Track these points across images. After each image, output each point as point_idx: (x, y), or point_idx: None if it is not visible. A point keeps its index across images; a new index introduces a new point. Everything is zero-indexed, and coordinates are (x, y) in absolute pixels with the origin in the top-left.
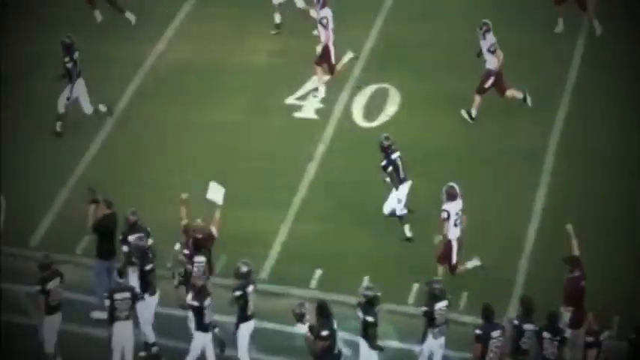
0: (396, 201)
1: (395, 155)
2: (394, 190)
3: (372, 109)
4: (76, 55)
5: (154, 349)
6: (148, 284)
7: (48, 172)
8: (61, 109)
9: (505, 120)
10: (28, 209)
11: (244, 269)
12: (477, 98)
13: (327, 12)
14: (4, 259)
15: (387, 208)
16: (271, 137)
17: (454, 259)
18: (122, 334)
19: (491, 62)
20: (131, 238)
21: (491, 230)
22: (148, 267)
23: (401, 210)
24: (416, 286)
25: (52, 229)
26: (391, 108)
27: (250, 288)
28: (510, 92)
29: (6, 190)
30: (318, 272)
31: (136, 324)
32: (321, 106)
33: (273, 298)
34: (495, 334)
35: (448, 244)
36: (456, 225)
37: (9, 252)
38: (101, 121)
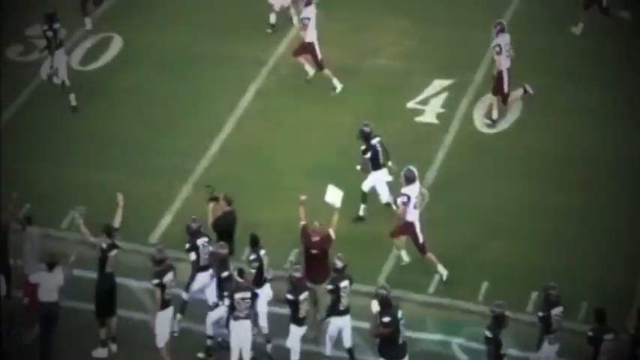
0: (372, 181)
1: (374, 141)
2: (372, 172)
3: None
4: (57, 25)
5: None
6: (224, 292)
7: (168, 170)
8: (44, 75)
9: (632, 127)
10: (149, 207)
11: (339, 264)
12: (495, 101)
13: (310, 11)
14: (124, 255)
15: (366, 186)
16: (391, 140)
17: (420, 239)
18: (241, 333)
19: (500, 63)
20: (199, 242)
21: (615, 239)
22: (225, 274)
23: (367, 190)
24: (535, 295)
25: (171, 227)
26: (513, 115)
27: (344, 283)
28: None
29: (127, 187)
30: (437, 277)
31: (255, 324)
32: (442, 110)
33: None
34: (608, 337)
35: (411, 226)
36: (415, 207)
37: (129, 248)
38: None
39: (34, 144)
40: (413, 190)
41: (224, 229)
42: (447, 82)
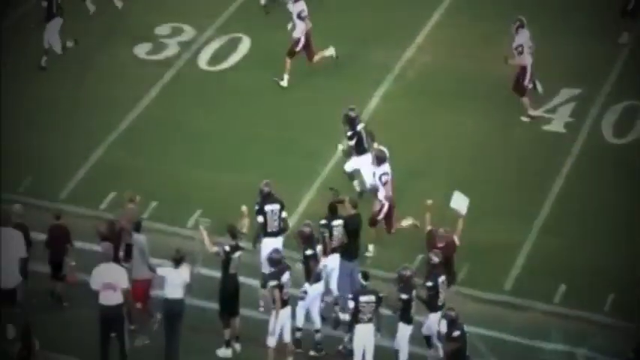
0: (355, 164)
1: (360, 127)
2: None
3: (623, 125)
4: None
5: (318, 336)
6: (309, 271)
7: (294, 172)
8: (46, 44)
9: None
10: None
11: (435, 259)
12: (525, 100)
13: (302, 4)
14: (248, 255)
15: (349, 167)
16: (518, 149)
17: (378, 216)
18: (364, 336)
19: (522, 60)
20: (267, 208)
21: None
22: (309, 252)
23: (350, 172)
24: None
25: (294, 229)
26: None
27: (441, 278)
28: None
29: (254, 188)
30: (562, 287)
31: (378, 328)
32: (570, 120)
33: (518, 311)
34: None
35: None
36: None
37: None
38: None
39: (162, 143)
40: (384, 170)
41: (349, 232)
42: (575, 91)
